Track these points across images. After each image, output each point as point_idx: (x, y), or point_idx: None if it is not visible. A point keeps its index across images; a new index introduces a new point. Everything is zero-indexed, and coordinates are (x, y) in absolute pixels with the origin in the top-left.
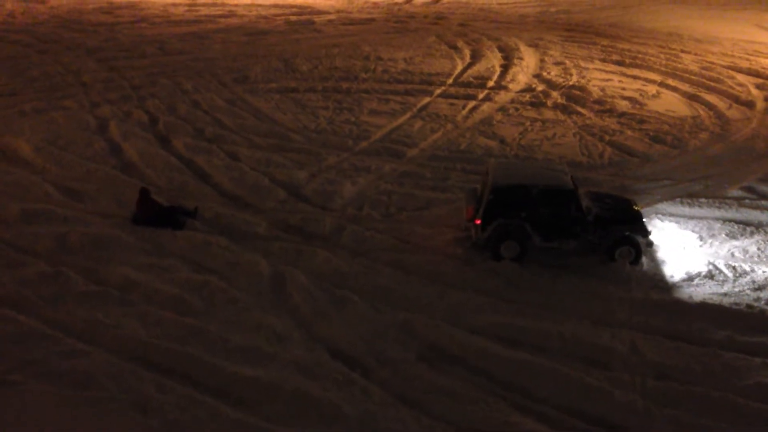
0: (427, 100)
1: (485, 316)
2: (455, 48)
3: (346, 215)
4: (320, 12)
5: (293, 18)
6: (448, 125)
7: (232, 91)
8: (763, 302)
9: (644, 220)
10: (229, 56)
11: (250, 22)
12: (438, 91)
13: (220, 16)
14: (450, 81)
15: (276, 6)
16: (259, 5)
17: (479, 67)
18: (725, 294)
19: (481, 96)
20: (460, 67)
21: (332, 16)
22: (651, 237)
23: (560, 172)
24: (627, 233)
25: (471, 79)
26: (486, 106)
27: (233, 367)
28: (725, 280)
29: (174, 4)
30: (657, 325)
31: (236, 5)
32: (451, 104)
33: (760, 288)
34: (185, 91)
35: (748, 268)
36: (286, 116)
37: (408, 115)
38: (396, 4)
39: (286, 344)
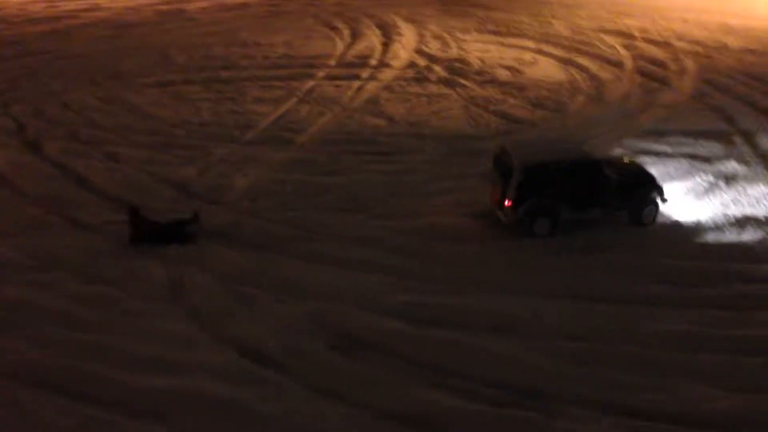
0: (311, 83)
1: (394, 297)
2: (334, 28)
3: (242, 209)
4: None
5: (162, 8)
6: (335, 108)
7: (105, 89)
8: (654, 260)
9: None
10: (98, 52)
11: (116, 15)
12: (321, 74)
13: (83, 11)
14: (333, 62)
15: None
16: None
17: (360, 46)
18: (622, 251)
19: (365, 75)
20: (341, 48)
21: (204, 4)
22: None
23: (577, 143)
24: (649, 194)
25: (353, 59)
26: (371, 85)
27: (137, 379)
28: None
29: (32, 1)
30: (559, 286)
31: None
32: (336, 86)
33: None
34: (53, 93)
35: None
36: (166, 111)
37: (293, 100)
38: None
39: (191, 349)
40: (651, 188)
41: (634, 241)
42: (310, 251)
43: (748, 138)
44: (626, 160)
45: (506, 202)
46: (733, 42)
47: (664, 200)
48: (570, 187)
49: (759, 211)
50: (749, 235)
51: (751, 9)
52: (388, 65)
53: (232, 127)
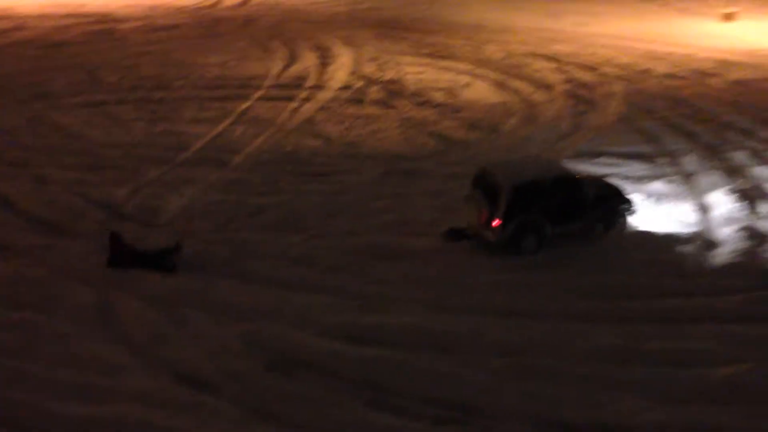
0: (246, 104)
1: (332, 317)
2: (270, 50)
3: (175, 230)
4: (121, 20)
5: (92, 28)
6: (271, 128)
7: (32, 109)
8: (589, 278)
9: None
10: (25, 71)
11: (43, 34)
12: (257, 95)
13: (10, 30)
14: (268, 83)
15: (70, 15)
16: (51, 15)
17: (296, 68)
18: (560, 269)
19: (301, 96)
20: (277, 69)
21: (135, 24)
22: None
23: (554, 162)
24: (620, 206)
25: (289, 80)
26: (307, 106)
27: (64, 407)
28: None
29: None
30: (497, 303)
31: (25, 17)
32: (272, 107)
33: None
34: None
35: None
36: (97, 131)
37: (228, 121)
38: (202, 8)
39: (122, 375)
40: (621, 200)
41: (572, 259)
42: (246, 272)
43: (673, 159)
44: (595, 176)
45: (494, 222)
46: (656, 67)
47: (632, 211)
48: (553, 203)
49: (687, 229)
50: (680, 251)
51: (672, 36)
52: (324, 87)
53: (166, 148)
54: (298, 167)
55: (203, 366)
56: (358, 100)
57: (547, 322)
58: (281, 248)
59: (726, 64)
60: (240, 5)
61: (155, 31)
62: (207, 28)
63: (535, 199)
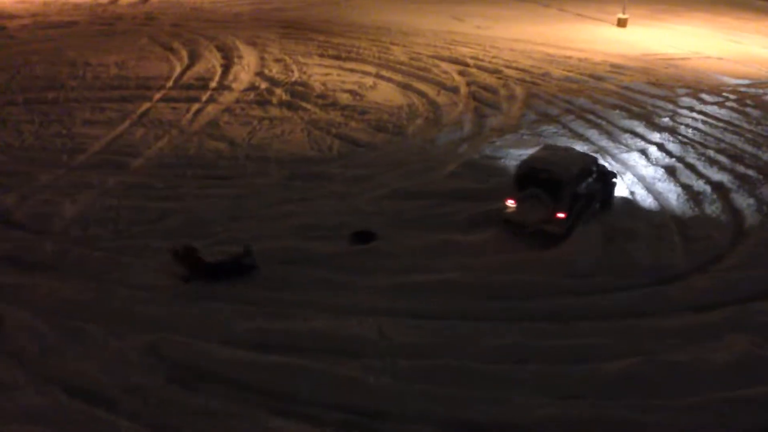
0: (147, 105)
1: (237, 325)
2: (171, 49)
3: (70, 238)
4: (11, 16)
5: None
6: (173, 131)
7: None
8: (488, 275)
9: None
10: None
11: None
12: (158, 96)
13: None
14: (170, 84)
15: None
16: None
17: (199, 68)
18: (460, 271)
19: (204, 98)
20: (178, 69)
21: (26, 21)
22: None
23: (569, 148)
24: (613, 183)
25: (192, 81)
26: (211, 108)
27: None
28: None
29: None
30: (400, 306)
31: None
32: (174, 108)
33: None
34: None
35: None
36: None
37: (127, 123)
38: (100, 5)
39: (10, 393)
40: (613, 177)
41: (469, 261)
42: (147, 280)
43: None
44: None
45: (559, 215)
46: (554, 70)
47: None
48: (588, 189)
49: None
50: (572, 251)
51: (570, 41)
52: (228, 88)
53: (59, 151)
54: (201, 171)
55: (99, 381)
56: (263, 101)
57: (449, 322)
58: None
59: (618, 68)
60: (140, 2)
61: (49, 29)
62: (104, 26)
63: (577, 188)
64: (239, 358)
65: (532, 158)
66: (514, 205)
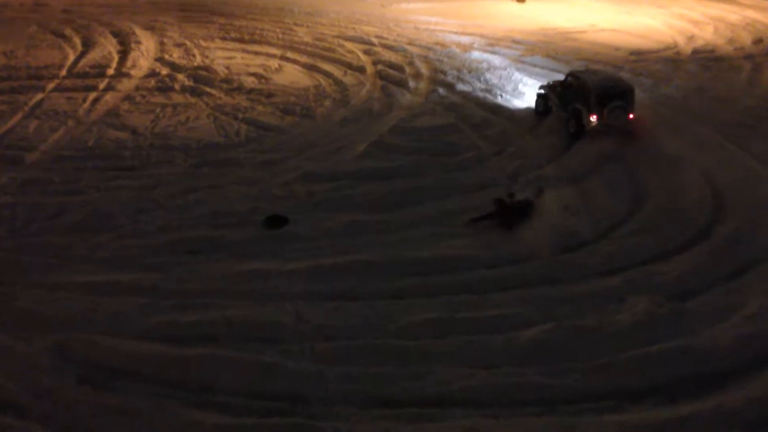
0: (39, 96)
1: (149, 319)
2: (63, 36)
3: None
4: None
5: None
6: (69, 122)
7: None
8: (404, 251)
9: None
10: None
11: None
12: (51, 85)
13: None
14: (63, 73)
15: None
16: None
17: (94, 55)
18: (369, 250)
19: (102, 86)
20: (72, 57)
21: None
22: None
23: (596, 70)
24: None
25: (87, 69)
26: (109, 96)
27: None
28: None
29: None
30: (316, 289)
31: None
32: (69, 98)
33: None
34: None
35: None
36: None
37: (19, 115)
38: None
39: None
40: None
41: (382, 239)
42: (52, 279)
43: (476, 130)
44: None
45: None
46: (457, 47)
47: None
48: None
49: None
50: (482, 227)
51: (471, 17)
52: (127, 75)
53: None
54: (102, 162)
55: (7, 386)
56: (165, 88)
57: (366, 302)
58: (88, 250)
59: (519, 43)
60: None
61: None
62: None
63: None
64: (153, 353)
65: (598, 79)
66: (596, 120)
